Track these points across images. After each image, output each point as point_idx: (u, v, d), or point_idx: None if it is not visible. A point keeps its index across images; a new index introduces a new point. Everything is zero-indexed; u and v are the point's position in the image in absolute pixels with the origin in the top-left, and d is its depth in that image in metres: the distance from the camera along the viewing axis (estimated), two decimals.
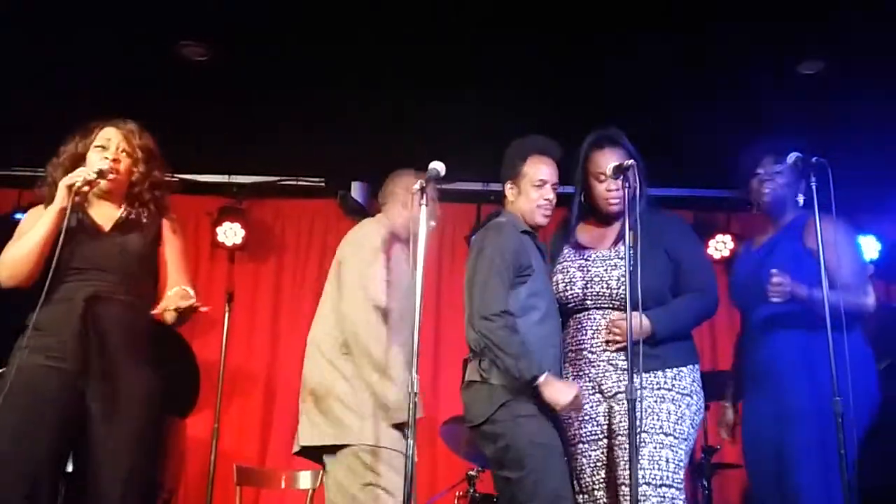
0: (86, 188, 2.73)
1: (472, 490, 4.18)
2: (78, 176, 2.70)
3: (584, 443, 2.99)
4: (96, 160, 2.81)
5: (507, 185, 3.07)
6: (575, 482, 3.01)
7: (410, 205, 2.97)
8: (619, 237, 3.02)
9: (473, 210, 5.86)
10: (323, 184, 5.85)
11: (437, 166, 2.81)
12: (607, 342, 2.95)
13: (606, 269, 3.01)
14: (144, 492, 2.81)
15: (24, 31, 4.18)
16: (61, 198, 2.68)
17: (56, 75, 4.56)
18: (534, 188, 3.02)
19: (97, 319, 2.73)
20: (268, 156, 5.59)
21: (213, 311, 5.64)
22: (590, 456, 2.98)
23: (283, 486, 4.24)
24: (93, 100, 4.72)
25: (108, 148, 2.86)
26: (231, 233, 5.65)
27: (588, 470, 2.97)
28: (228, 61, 4.48)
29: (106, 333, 2.75)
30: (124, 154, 2.88)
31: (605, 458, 2.96)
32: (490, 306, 2.79)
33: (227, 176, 5.85)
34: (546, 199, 3.03)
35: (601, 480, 2.94)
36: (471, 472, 4.23)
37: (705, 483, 4.38)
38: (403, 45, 4.26)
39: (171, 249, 2.97)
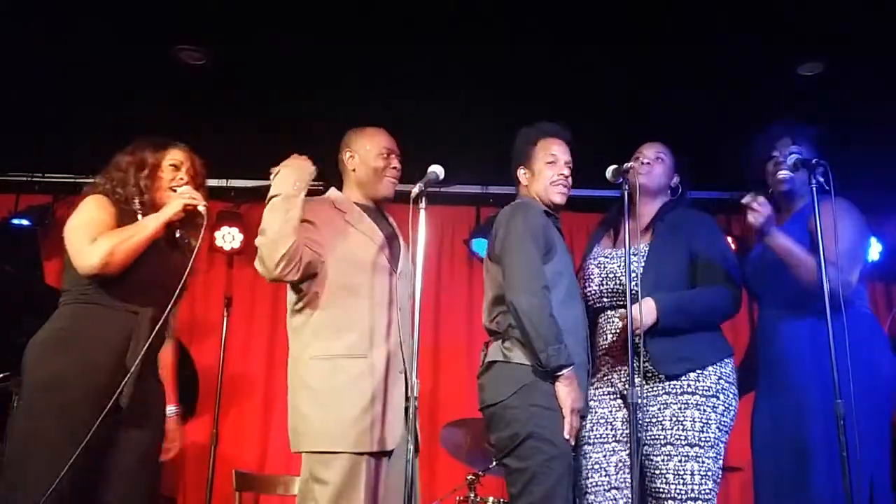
0: (183, 213, 2.92)
1: (472, 494, 4.16)
2: (197, 201, 2.91)
3: (589, 444, 2.97)
4: (168, 177, 3.01)
5: (521, 171, 3.06)
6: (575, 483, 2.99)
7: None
8: (644, 231, 3.06)
9: (472, 213, 5.86)
10: (321, 187, 5.81)
11: (437, 170, 2.79)
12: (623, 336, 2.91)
13: (620, 266, 3.01)
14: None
15: (21, 36, 4.17)
16: (174, 210, 2.88)
17: (53, 80, 4.55)
18: (547, 166, 3.01)
19: (154, 338, 2.80)
20: (266, 159, 5.54)
21: (211, 316, 5.69)
22: (589, 458, 2.96)
23: (282, 491, 4.22)
24: (90, 104, 4.73)
25: (180, 168, 3.03)
26: (229, 237, 5.64)
27: (583, 472, 2.95)
28: (225, 64, 4.47)
29: (154, 350, 2.86)
30: (189, 176, 3.06)
31: (603, 462, 2.95)
32: (533, 281, 2.75)
33: (224, 180, 5.83)
34: (560, 175, 3.01)
35: (594, 483, 2.92)
36: (470, 477, 4.21)
37: None
38: (402, 47, 4.25)
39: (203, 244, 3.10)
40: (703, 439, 2.81)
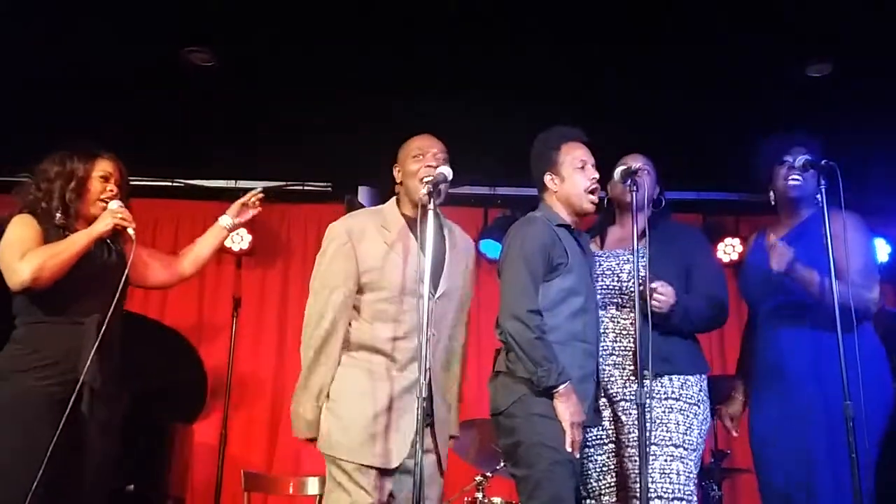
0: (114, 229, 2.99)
1: (480, 495, 4.16)
2: (128, 223, 2.97)
3: (589, 447, 2.97)
4: (97, 189, 3.06)
5: (548, 177, 2.99)
6: (581, 487, 2.99)
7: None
8: (635, 238, 3.01)
9: (480, 214, 5.85)
10: (329, 188, 5.85)
11: (445, 171, 2.78)
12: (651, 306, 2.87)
13: (619, 263, 3.01)
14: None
15: (30, 37, 4.19)
16: (105, 227, 2.95)
17: (62, 82, 4.57)
18: (577, 171, 2.96)
19: (102, 346, 2.86)
20: (274, 161, 5.59)
21: (220, 316, 5.71)
22: (596, 460, 2.96)
23: (290, 491, 4.23)
24: (99, 105, 4.74)
25: (109, 180, 3.09)
26: (238, 238, 5.64)
27: (594, 475, 2.96)
28: (234, 66, 4.48)
29: (107, 359, 2.91)
30: (118, 188, 3.11)
31: (611, 463, 2.95)
32: (519, 305, 2.75)
33: (233, 181, 5.84)
34: (593, 179, 2.96)
35: (608, 485, 2.93)
36: (479, 478, 4.20)
37: (716, 488, 4.35)
38: (410, 48, 4.26)
39: (138, 251, 3.09)
40: (686, 441, 2.83)
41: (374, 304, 2.84)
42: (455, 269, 2.96)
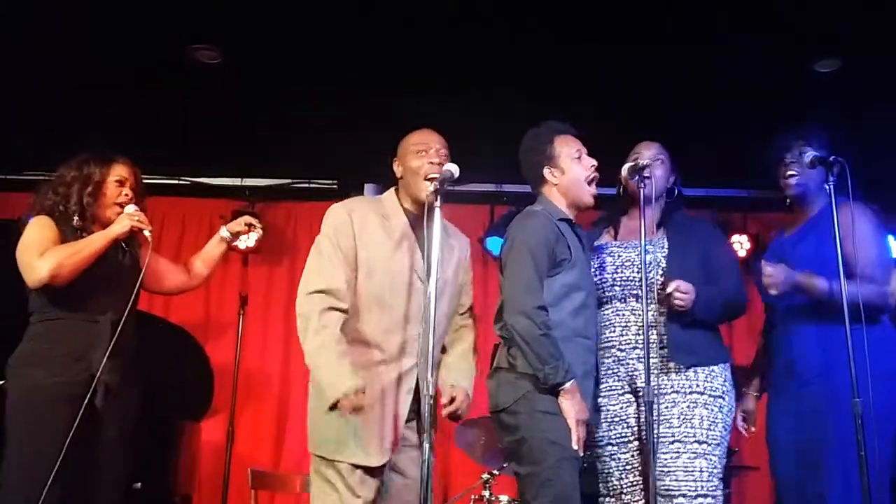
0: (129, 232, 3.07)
1: (486, 493, 4.15)
2: (144, 225, 3.05)
3: (612, 444, 2.97)
4: (113, 193, 3.14)
5: (547, 171, 2.96)
6: (601, 485, 2.98)
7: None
8: (651, 228, 3.01)
9: (486, 211, 5.84)
10: (336, 186, 5.85)
11: (451, 168, 2.77)
12: (672, 305, 2.86)
13: (639, 255, 2.95)
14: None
15: (37, 36, 4.19)
16: (122, 230, 3.02)
17: (64, 82, 4.58)
18: (574, 162, 2.95)
19: (116, 344, 2.93)
20: (280, 159, 5.59)
21: (226, 314, 5.72)
22: (619, 459, 2.96)
23: (298, 490, 4.23)
24: (103, 104, 4.75)
25: (125, 184, 3.17)
26: (244, 236, 5.63)
27: (616, 473, 2.96)
28: (241, 64, 4.49)
29: (121, 358, 2.97)
30: (133, 191, 3.20)
31: (635, 462, 2.95)
32: (525, 301, 2.73)
33: (239, 179, 5.86)
34: (591, 167, 2.95)
35: (630, 484, 2.93)
36: (485, 476, 4.20)
37: (723, 485, 4.33)
38: (415, 47, 4.25)
39: (152, 254, 3.16)
40: (710, 437, 2.83)
41: (365, 293, 2.79)
42: (448, 261, 2.93)
